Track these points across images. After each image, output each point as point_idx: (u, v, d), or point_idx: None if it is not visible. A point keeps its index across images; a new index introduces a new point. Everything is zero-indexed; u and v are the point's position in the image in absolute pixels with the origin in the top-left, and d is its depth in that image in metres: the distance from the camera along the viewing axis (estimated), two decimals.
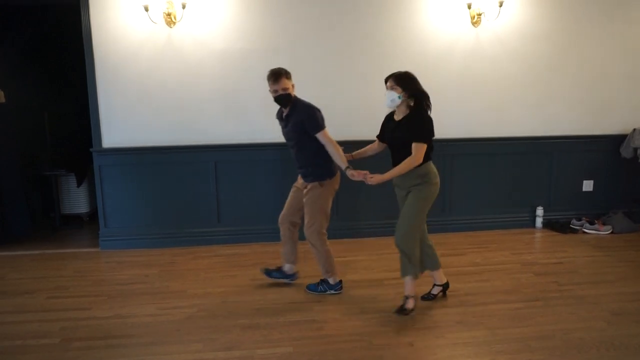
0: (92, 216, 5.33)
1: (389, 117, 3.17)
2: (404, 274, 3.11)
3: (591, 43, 4.82)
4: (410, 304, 3.10)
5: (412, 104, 3.00)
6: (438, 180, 3.08)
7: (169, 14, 4.19)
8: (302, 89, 4.72)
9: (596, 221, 4.79)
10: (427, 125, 2.97)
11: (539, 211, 4.93)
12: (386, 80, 3.02)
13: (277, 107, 3.41)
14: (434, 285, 3.35)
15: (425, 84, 4.57)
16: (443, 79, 4.66)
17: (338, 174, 3.34)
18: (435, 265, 3.28)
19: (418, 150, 2.92)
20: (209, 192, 4.55)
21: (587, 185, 5.06)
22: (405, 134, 2.97)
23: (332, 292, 3.43)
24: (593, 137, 4.95)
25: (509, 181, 4.93)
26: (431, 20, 4.57)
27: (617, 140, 4.93)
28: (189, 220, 4.56)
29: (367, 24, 4.50)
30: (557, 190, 5.01)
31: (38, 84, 5.41)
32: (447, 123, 4.70)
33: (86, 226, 5.33)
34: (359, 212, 4.71)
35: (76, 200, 5.37)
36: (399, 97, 2.96)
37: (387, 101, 3.01)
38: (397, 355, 2.65)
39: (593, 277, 3.71)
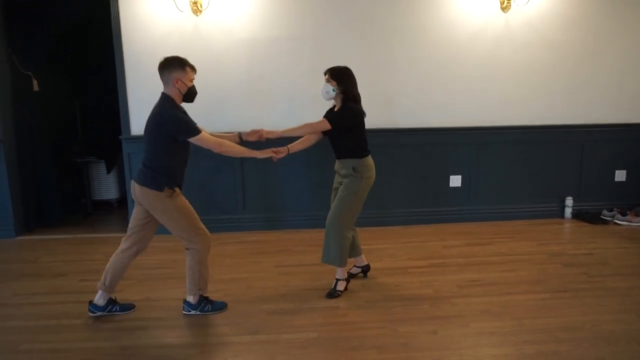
0: (122, 202, 5.45)
1: (330, 110, 3.26)
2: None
3: (625, 29, 4.64)
4: (341, 286, 3.25)
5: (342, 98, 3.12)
6: (372, 174, 3.17)
7: (195, 2, 4.21)
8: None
9: (629, 212, 4.66)
10: (346, 113, 3.08)
11: (569, 201, 4.82)
12: (325, 73, 3.14)
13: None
14: (353, 266, 3.50)
15: (453, 70, 4.61)
16: (471, 65, 4.57)
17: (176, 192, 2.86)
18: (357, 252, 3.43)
19: (321, 122, 3.07)
20: (235, 179, 4.59)
21: (620, 175, 4.92)
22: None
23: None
24: (626, 125, 4.80)
25: (537, 170, 4.82)
26: (459, 5, 4.47)
27: None
28: (215, 207, 4.61)
29: (393, 10, 4.43)
30: (587, 180, 4.88)
31: (70, 73, 5.53)
32: (474, 110, 4.64)
33: (115, 212, 5.47)
34: (384, 200, 4.69)
35: (106, 187, 5.50)
36: (334, 90, 3.09)
37: (322, 92, 3.14)
38: (421, 343, 2.66)
39: (624, 269, 3.62)
